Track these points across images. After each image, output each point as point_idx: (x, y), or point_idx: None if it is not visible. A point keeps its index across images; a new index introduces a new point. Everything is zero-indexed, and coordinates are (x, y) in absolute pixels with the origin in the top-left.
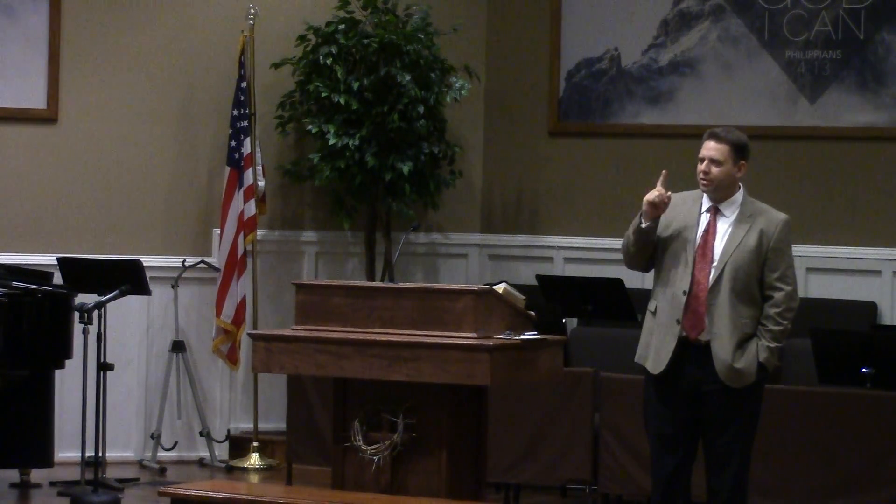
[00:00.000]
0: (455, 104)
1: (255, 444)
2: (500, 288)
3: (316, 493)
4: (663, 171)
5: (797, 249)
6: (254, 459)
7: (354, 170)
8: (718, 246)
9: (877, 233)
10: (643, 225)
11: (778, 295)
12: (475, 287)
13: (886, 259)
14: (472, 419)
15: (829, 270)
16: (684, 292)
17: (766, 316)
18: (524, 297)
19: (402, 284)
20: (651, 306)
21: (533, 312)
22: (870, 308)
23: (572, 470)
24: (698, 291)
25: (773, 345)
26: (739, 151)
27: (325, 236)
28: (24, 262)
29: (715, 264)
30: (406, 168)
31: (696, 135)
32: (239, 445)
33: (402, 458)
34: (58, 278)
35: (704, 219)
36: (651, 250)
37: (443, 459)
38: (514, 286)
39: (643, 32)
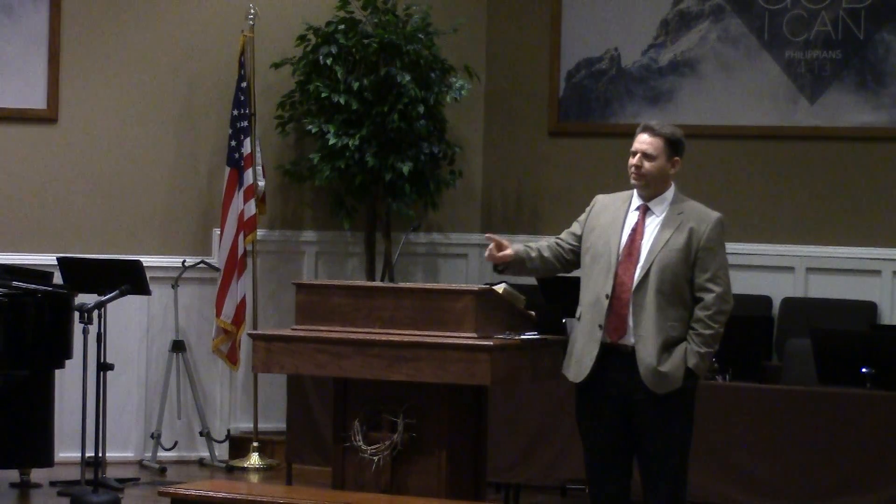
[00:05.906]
0: (455, 104)
1: (255, 444)
2: (500, 288)
3: (316, 493)
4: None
5: (797, 249)
6: (254, 459)
7: (354, 170)
8: (645, 245)
9: (877, 233)
10: (500, 269)
11: (708, 297)
12: (475, 287)
13: (886, 259)
14: (472, 419)
15: (829, 270)
16: (607, 295)
17: (696, 319)
18: (524, 297)
19: (402, 284)
20: (577, 313)
21: (533, 312)
22: (870, 308)
23: (572, 470)
24: (621, 293)
25: (703, 349)
26: (673, 147)
27: (325, 236)
28: (24, 262)
29: (641, 264)
30: (406, 168)
31: (697, 135)
32: (239, 445)
33: (402, 458)
34: (58, 278)
35: (633, 217)
36: (549, 266)
37: (443, 459)
38: (514, 286)
39: (643, 32)
